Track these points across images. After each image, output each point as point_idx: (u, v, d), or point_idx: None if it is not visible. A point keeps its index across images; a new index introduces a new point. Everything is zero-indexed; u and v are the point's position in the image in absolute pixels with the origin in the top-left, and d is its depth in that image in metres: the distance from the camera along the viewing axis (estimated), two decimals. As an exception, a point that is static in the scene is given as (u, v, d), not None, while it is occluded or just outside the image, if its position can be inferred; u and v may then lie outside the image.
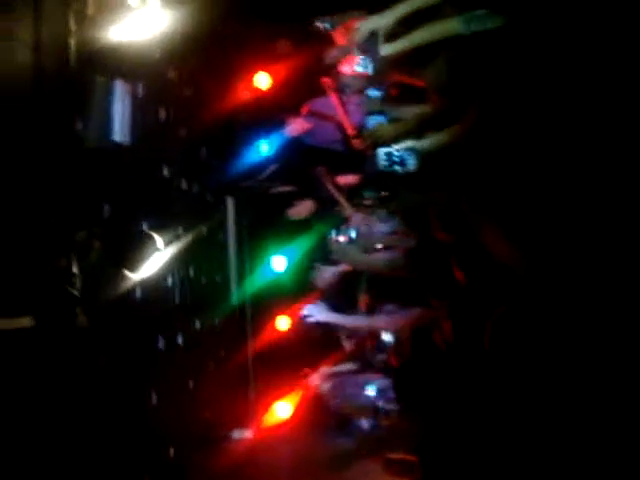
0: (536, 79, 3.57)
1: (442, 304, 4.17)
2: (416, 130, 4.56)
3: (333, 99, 6.17)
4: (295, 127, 6.54)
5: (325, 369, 6.14)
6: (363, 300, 5.86)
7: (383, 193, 5.48)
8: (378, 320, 5.60)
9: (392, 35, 4.58)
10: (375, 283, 5.59)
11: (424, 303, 4.61)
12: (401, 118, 4.95)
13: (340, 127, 6.25)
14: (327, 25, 5.76)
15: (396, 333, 5.54)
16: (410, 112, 4.80)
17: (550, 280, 3.27)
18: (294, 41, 6.72)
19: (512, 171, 3.58)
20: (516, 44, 3.72)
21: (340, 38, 5.58)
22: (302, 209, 6.82)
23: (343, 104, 6.13)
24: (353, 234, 5.49)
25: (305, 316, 6.09)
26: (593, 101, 3.31)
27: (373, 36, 4.71)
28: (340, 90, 5.97)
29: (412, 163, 4.42)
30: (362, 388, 5.85)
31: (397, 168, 4.45)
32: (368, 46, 4.90)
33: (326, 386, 6.21)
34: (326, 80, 6.10)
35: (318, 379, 6.22)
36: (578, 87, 3.38)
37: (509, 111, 3.68)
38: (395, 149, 4.46)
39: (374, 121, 5.29)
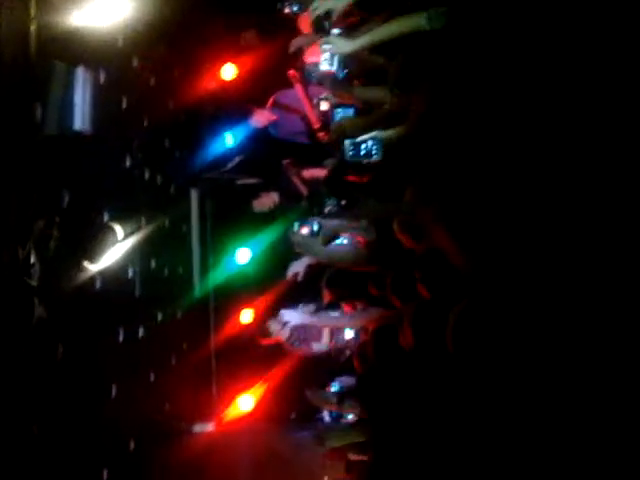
0: (485, 77, 3.60)
1: (404, 306, 4.17)
2: (382, 124, 4.57)
3: (299, 91, 6.14)
4: (260, 118, 6.51)
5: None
6: (326, 295, 5.83)
7: (344, 202, 5.45)
8: (342, 318, 5.58)
9: (352, 28, 4.61)
10: (338, 279, 5.55)
11: (386, 303, 4.60)
12: (367, 102, 4.95)
13: (306, 119, 6.23)
14: (295, 8, 5.73)
15: (359, 331, 5.55)
16: (376, 92, 4.80)
17: (497, 281, 3.29)
18: (261, 32, 6.68)
19: (457, 169, 3.59)
20: (467, 40, 3.75)
21: (305, 25, 5.56)
22: (266, 201, 6.79)
23: (309, 96, 6.11)
24: (315, 227, 5.46)
25: (283, 323, 6.03)
26: (542, 100, 3.34)
27: (328, 16, 4.77)
28: (306, 79, 5.94)
29: (377, 153, 4.42)
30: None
31: (363, 158, 4.45)
32: (324, 26, 4.95)
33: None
34: (292, 72, 6.07)
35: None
36: (527, 86, 3.41)
37: (456, 105, 3.70)
38: (361, 139, 4.47)
39: (341, 114, 5.30)
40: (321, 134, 5.84)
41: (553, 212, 3.18)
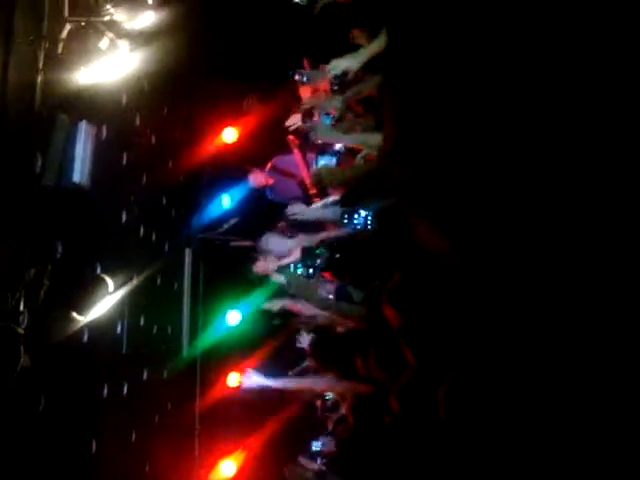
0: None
1: (389, 378, 4.16)
2: (360, 179, 4.73)
3: (297, 156, 6.23)
4: (258, 180, 6.59)
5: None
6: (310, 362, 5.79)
7: (337, 255, 5.49)
8: (320, 384, 5.53)
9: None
10: (322, 346, 5.52)
11: (366, 377, 4.59)
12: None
13: (302, 184, 6.31)
14: (305, 79, 5.85)
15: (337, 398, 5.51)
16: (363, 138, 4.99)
17: (481, 271, 3.34)
18: (262, 97, 6.82)
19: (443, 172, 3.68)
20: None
21: (306, 94, 5.69)
22: (264, 266, 6.79)
23: (307, 162, 6.20)
24: (311, 270, 5.49)
25: (246, 381, 5.96)
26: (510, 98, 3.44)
27: (344, 75, 4.96)
28: (305, 145, 6.05)
29: (371, 223, 4.50)
30: None
31: (358, 227, 4.54)
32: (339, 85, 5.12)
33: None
34: (291, 137, 6.18)
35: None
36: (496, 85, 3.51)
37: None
38: (356, 210, 4.55)
39: (323, 162, 5.45)
40: (317, 199, 5.90)
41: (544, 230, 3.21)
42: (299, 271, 5.59)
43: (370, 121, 5.20)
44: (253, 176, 6.61)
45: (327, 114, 5.64)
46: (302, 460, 5.85)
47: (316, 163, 5.53)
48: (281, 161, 6.55)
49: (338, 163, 5.44)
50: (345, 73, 5.00)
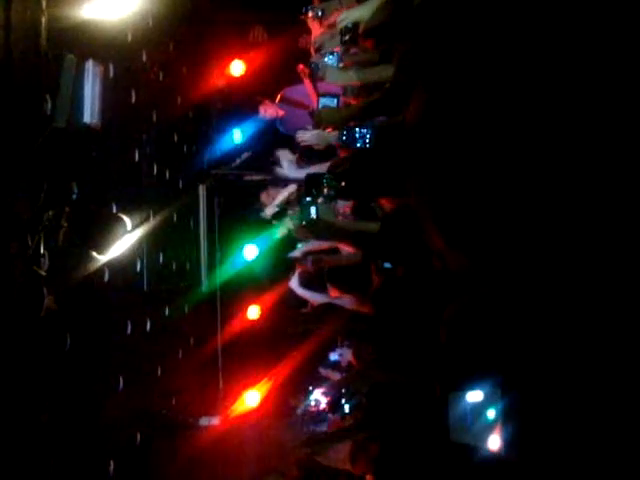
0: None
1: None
2: (361, 115, 4.72)
3: (307, 86, 6.15)
4: (268, 113, 6.53)
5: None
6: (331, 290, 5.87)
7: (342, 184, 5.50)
8: (347, 304, 5.61)
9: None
10: (338, 274, 5.57)
11: None
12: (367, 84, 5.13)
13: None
14: (319, 13, 5.75)
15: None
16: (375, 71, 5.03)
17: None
18: (269, 28, 6.72)
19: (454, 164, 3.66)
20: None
21: (315, 26, 5.60)
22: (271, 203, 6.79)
23: (317, 92, 6.12)
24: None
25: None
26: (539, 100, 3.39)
27: (356, 27, 4.87)
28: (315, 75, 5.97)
29: (370, 139, 4.51)
30: None
31: (358, 144, 4.55)
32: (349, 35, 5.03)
33: None
34: (301, 67, 6.09)
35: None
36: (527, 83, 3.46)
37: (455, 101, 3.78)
38: (356, 126, 4.57)
39: (324, 102, 5.42)
40: (328, 129, 5.85)
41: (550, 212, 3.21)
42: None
43: (375, 54, 5.16)
44: (263, 108, 6.54)
45: (332, 52, 5.57)
46: (323, 371, 5.99)
47: (318, 105, 5.49)
48: (291, 91, 6.47)
49: (338, 105, 5.42)
50: (356, 24, 4.88)
